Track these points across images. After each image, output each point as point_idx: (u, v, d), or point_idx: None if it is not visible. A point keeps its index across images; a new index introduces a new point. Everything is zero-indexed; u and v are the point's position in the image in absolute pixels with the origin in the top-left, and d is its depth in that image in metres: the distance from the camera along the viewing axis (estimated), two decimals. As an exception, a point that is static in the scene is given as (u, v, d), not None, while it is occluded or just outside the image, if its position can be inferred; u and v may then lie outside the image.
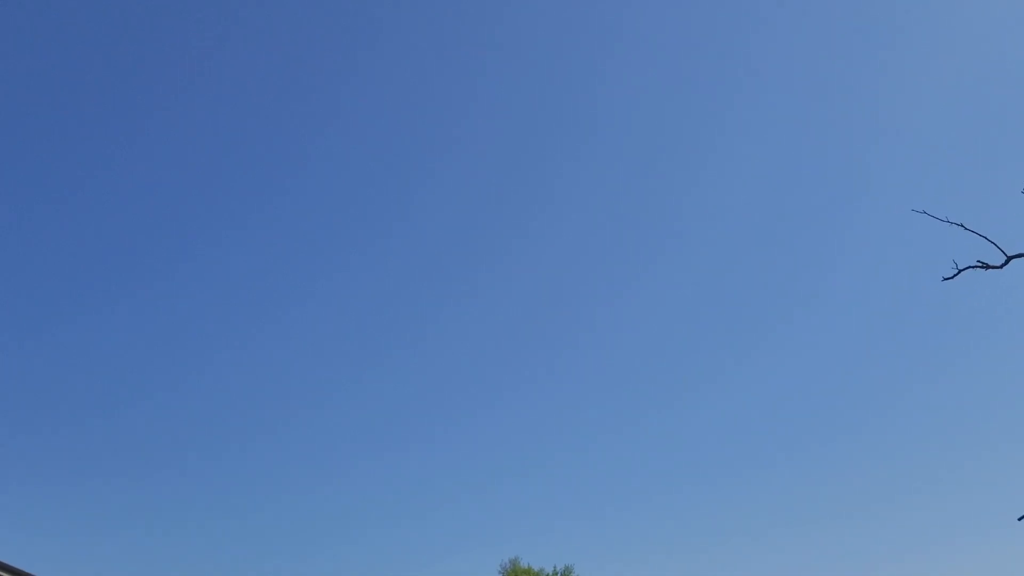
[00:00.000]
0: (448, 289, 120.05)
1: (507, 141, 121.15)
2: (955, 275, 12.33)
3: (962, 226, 12.15)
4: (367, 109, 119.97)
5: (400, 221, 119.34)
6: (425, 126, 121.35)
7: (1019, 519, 11.23)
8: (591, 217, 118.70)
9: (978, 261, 12.02)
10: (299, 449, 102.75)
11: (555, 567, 46.31)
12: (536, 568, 45.48)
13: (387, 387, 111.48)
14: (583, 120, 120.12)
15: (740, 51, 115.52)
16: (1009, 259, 11.63)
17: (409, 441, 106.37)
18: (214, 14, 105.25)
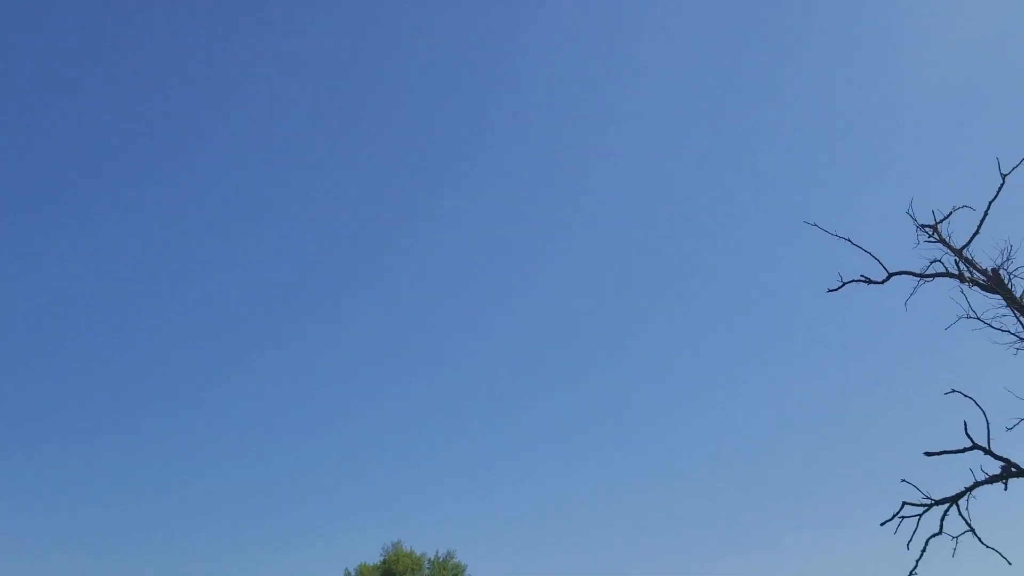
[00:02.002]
0: (329, 288, 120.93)
1: (393, 156, 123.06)
2: (839, 287, 14.29)
3: (849, 240, 14.09)
4: (243, 116, 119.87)
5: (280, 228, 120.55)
6: (306, 135, 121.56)
7: (881, 524, 12.79)
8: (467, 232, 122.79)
9: (861, 275, 14.01)
10: (177, 441, 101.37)
11: (437, 551, 47.50)
12: (419, 552, 46.53)
13: (269, 382, 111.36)
14: (471, 139, 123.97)
15: (630, 57, 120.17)
16: (890, 275, 13.63)
17: (289, 430, 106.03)
18: None
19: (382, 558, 47.37)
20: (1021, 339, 13.29)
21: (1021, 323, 13.21)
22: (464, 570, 47.89)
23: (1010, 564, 12.09)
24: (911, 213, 13.76)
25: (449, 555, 47.65)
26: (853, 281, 13.95)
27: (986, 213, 13.16)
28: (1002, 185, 13.06)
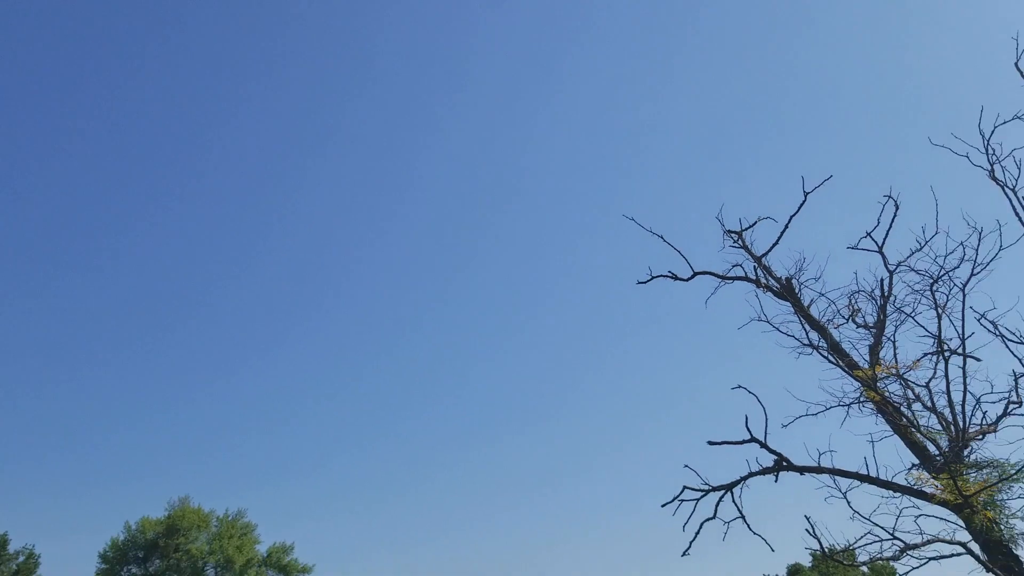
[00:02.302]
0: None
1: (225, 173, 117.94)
2: (648, 280, 14.97)
3: (661, 238, 14.75)
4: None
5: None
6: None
7: (662, 506, 13.55)
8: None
9: (669, 271, 14.73)
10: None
11: (227, 510, 45.95)
12: (207, 509, 44.82)
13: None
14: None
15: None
16: (695, 274, 14.41)
17: (66, 374, 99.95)
18: None
19: (167, 513, 45.30)
20: (804, 345, 14.46)
21: (805, 330, 14.38)
22: (254, 528, 46.70)
23: (773, 551, 13.17)
24: (720, 219, 14.60)
25: (240, 513, 46.29)
26: (661, 276, 14.67)
27: (786, 226, 14.18)
28: (803, 203, 14.09)
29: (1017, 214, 13.42)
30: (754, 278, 14.48)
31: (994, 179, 13.67)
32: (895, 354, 14.26)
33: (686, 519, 13.10)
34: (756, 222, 14.42)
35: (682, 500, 13.19)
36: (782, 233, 14.19)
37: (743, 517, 12.95)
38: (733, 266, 14.57)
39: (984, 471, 12.38)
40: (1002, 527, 11.89)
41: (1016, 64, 13.06)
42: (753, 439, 12.81)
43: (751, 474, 12.99)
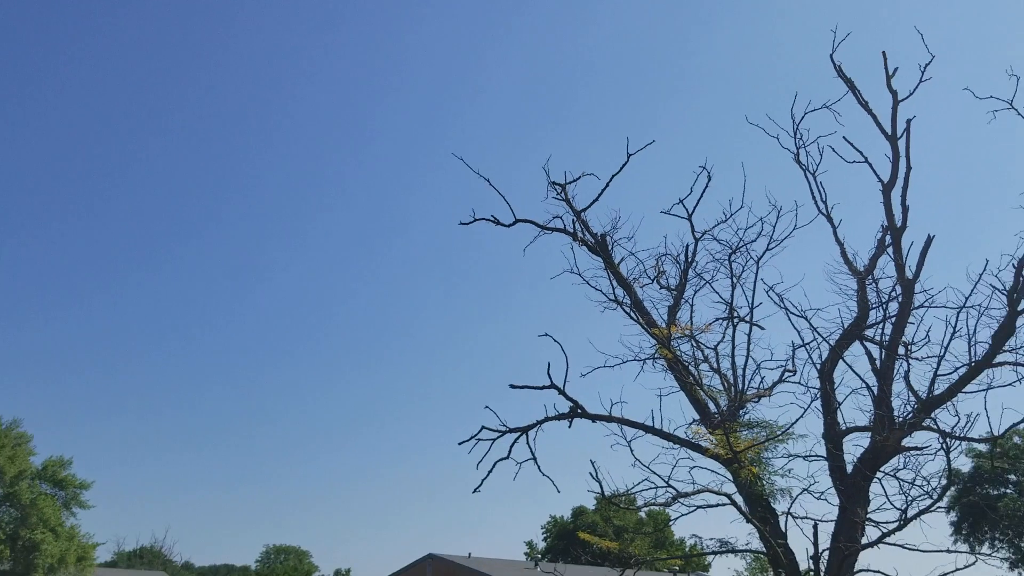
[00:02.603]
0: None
1: None
2: (471, 222, 15.00)
3: (487, 180, 14.78)
4: None
5: None
6: None
7: (459, 443, 13.78)
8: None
9: (492, 216, 14.82)
10: None
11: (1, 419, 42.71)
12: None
13: None
14: None
15: None
16: (516, 221, 14.58)
17: None
18: None
19: None
20: (610, 300, 15.03)
21: (612, 286, 14.94)
22: (29, 440, 43.74)
23: (559, 492, 13.77)
24: (546, 169, 14.80)
25: (14, 423, 43.23)
26: (483, 219, 14.75)
27: (607, 184, 14.56)
28: (625, 163, 14.50)
29: (814, 197, 14.47)
30: (572, 231, 14.83)
31: (798, 162, 14.65)
32: (691, 316, 15.12)
33: (480, 458, 13.44)
34: (579, 177, 14.73)
35: (479, 439, 13.49)
36: (603, 191, 14.58)
37: (535, 459, 13.44)
38: (553, 217, 14.86)
39: (755, 430, 13.43)
40: (764, 482, 12.99)
41: (831, 56, 13.94)
42: (552, 385, 13.24)
43: (547, 418, 13.45)
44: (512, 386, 13.47)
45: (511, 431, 13.43)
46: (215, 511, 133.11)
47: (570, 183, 14.79)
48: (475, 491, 13.79)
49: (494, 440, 13.41)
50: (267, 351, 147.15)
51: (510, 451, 13.44)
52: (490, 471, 13.46)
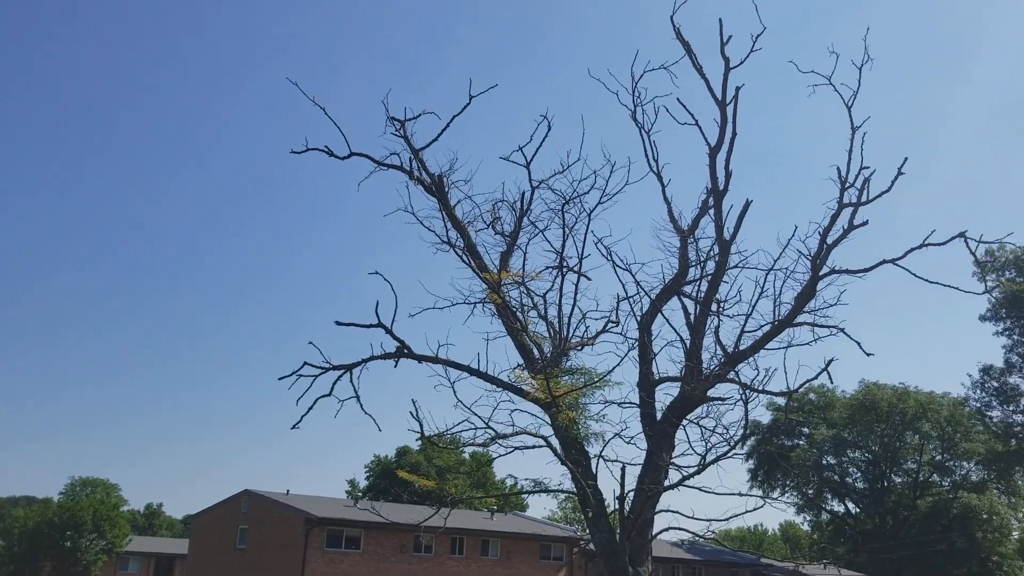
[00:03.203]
0: None
1: None
2: (303, 151, 14.46)
3: (323, 110, 14.23)
4: None
5: None
6: None
7: (280, 379, 13.37)
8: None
9: (325, 147, 14.33)
10: None
11: None
12: None
13: None
14: None
15: None
16: (351, 154, 14.18)
17: None
18: None
19: None
20: (443, 242, 14.98)
21: (447, 228, 14.88)
22: None
23: (380, 431, 13.74)
24: (385, 104, 14.43)
25: None
26: (316, 149, 14.24)
27: (447, 125, 14.38)
28: (467, 105, 14.33)
29: (647, 155, 14.89)
30: (408, 169, 14.59)
31: (635, 120, 15.00)
32: (523, 263, 15.32)
33: (302, 394, 13.15)
34: (420, 115, 14.45)
35: (300, 375, 13.18)
36: (443, 131, 14.39)
37: (358, 397, 13.29)
38: (391, 154, 14.55)
39: (575, 376, 13.87)
40: (579, 426, 13.46)
41: (671, 17, 14.26)
42: (380, 324, 13.09)
43: (372, 357, 13.31)
44: (338, 323, 13.22)
45: (334, 368, 13.21)
46: (12, 438, 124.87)
47: (410, 120, 14.50)
48: (294, 427, 13.57)
49: (316, 377, 13.15)
50: (68, 270, 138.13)
51: (332, 388, 13.22)
52: (310, 408, 13.23)
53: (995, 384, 40.31)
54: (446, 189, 14.76)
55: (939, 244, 13.55)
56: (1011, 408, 39.79)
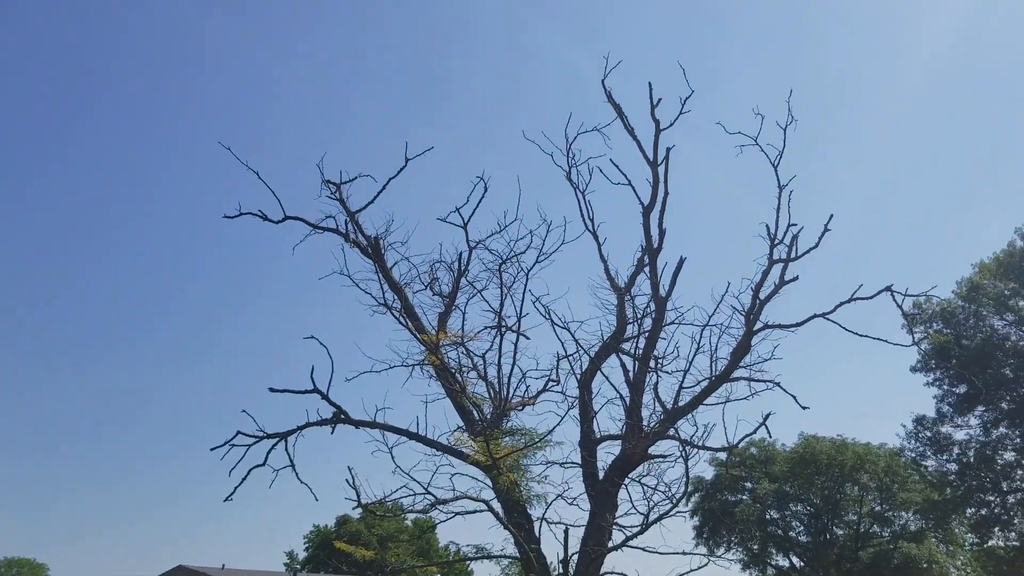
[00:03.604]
0: None
1: None
2: (236, 216, 14.27)
3: (256, 174, 14.15)
4: None
5: None
6: None
7: (212, 449, 12.98)
8: None
9: (259, 211, 14.19)
10: None
11: None
12: None
13: None
14: None
15: None
16: (286, 218, 14.04)
17: None
18: None
19: None
20: (380, 304, 14.83)
21: (383, 290, 14.75)
22: None
23: (317, 500, 13.32)
24: (320, 167, 14.38)
25: None
26: (250, 213, 14.07)
27: (384, 187, 14.36)
28: (403, 167, 14.36)
29: (582, 214, 15.07)
30: (344, 232, 14.49)
31: (569, 180, 15.20)
32: (462, 324, 15.24)
33: (234, 464, 12.75)
34: (356, 177, 14.42)
35: (234, 445, 12.80)
36: (379, 193, 14.36)
37: (293, 466, 12.92)
38: (326, 217, 14.45)
39: (515, 437, 13.73)
40: (521, 489, 13.28)
41: (603, 82, 14.59)
42: (316, 390, 12.82)
43: (308, 424, 13.00)
44: (272, 389, 12.89)
45: (268, 436, 12.85)
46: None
47: (345, 183, 14.45)
48: (227, 499, 13.06)
49: (250, 446, 12.77)
50: None
51: (267, 458, 12.84)
52: (244, 478, 12.79)
53: (928, 434, 41.12)
54: (383, 251, 14.68)
55: (867, 298, 13.88)
56: (944, 457, 40.58)
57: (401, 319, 14.66)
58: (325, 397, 12.85)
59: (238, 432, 12.69)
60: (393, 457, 12.40)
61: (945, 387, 39.71)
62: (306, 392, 12.82)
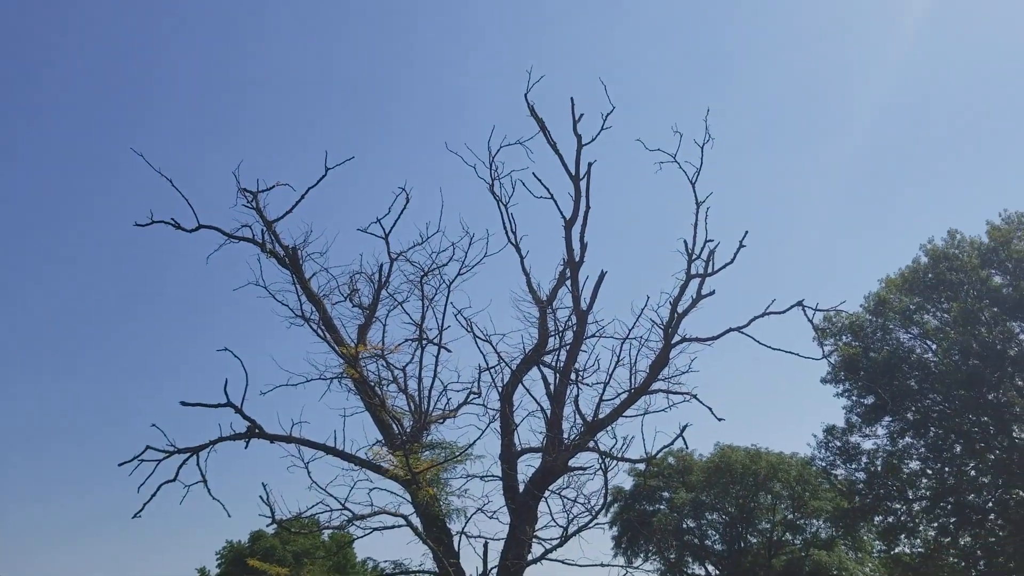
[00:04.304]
0: None
1: None
2: (148, 224, 13.84)
3: (170, 181, 13.73)
4: None
5: None
6: None
7: (119, 465, 12.50)
8: None
9: (172, 219, 13.78)
10: None
11: None
12: None
13: None
14: None
15: None
16: (200, 227, 13.65)
17: None
18: None
19: None
20: (297, 316, 14.55)
21: (300, 302, 14.48)
22: None
23: (229, 516, 12.93)
24: (236, 175, 14.06)
25: None
26: (162, 222, 13.66)
27: (302, 196, 14.13)
28: (323, 176, 14.17)
29: (505, 227, 15.08)
30: (261, 242, 14.19)
31: (492, 193, 15.20)
32: (383, 336, 15.07)
33: (143, 480, 12.34)
34: (273, 186, 14.14)
35: (143, 460, 12.39)
36: (297, 202, 14.11)
37: (205, 481, 12.57)
38: (242, 226, 14.12)
39: (436, 451, 13.61)
40: (441, 503, 13.16)
41: (525, 96, 14.65)
42: (229, 403, 12.51)
43: (221, 439, 12.67)
44: (184, 403, 12.51)
45: (180, 451, 12.47)
46: None
47: (262, 191, 14.16)
48: (135, 516, 12.60)
49: (160, 461, 12.37)
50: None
51: (177, 473, 12.46)
52: (153, 495, 12.39)
53: (838, 444, 42.35)
54: (301, 261, 14.42)
55: (780, 312, 14.23)
56: (853, 466, 41.85)
57: (319, 331, 14.41)
58: (239, 411, 12.55)
59: (148, 447, 12.31)
60: (309, 472, 12.18)
61: (854, 398, 41.01)
62: (219, 406, 12.51)
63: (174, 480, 12.52)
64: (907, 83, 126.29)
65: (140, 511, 12.53)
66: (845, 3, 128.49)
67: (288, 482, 12.84)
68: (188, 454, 12.52)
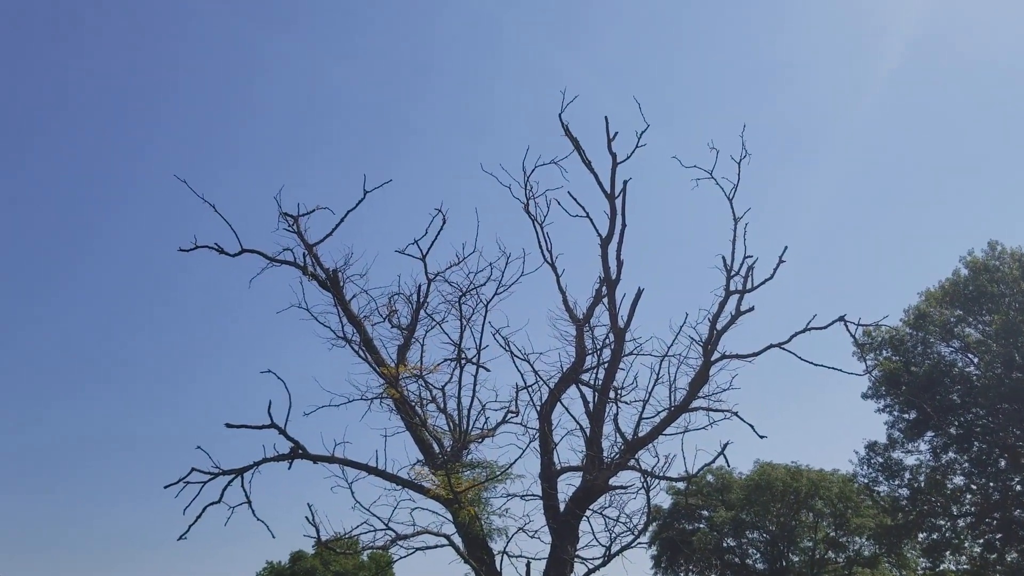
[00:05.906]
0: None
1: None
2: (192, 249, 14.13)
3: (213, 207, 13.99)
4: None
5: None
6: None
7: (165, 487, 12.70)
8: None
9: (215, 243, 14.04)
10: None
11: None
12: None
13: None
14: None
15: None
16: (243, 251, 13.91)
17: None
18: None
19: None
20: (339, 337, 14.72)
21: (342, 323, 14.65)
22: None
23: (274, 537, 13.08)
24: (278, 199, 14.31)
25: None
26: (206, 247, 13.93)
27: (342, 219, 14.36)
28: (362, 200, 14.38)
29: (540, 246, 15.15)
30: (302, 265, 14.40)
31: (527, 212, 15.29)
32: (421, 356, 15.17)
33: (189, 502, 12.53)
34: (314, 210, 14.39)
35: (188, 482, 12.58)
36: (337, 225, 14.36)
37: (249, 503, 12.73)
38: (283, 250, 14.36)
39: (476, 470, 13.65)
40: (482, 522, 13.18)
41: (560, 115, 14.74)
42: (273, 425, 12.66)
43: (265, 460, 12.82)
44: (228, 425, 12.70)
45: (224, 473, 12.64)
46: None
47: (303, 215, 14.41)
48: (181, 538, 12.80)
49: (205, 483, 12.55)
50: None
51: (222, 495, 12.64)
52: (199, 516, 12.57)
53: (880, 460, 41.68)
54: (341, 284, 14.60)
55: (821, 328, 14.13)
56: (896, 483, 41.12)
57: (360, 352, 14.56)
58: (283, 432, 12.70)
59: (193, 469, 12.50)
60: (353, 492, 12.27)
61: (896, 413, 40.37)
62: (263, 427, 12.67)
63: (219, 502, 12.68)
64: (946, 91, 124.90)
65: (185, 533, 12.72)
66: (886, 17, 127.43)
67: (332, 503, 12.95)
68: (233, 476, 12.68)
